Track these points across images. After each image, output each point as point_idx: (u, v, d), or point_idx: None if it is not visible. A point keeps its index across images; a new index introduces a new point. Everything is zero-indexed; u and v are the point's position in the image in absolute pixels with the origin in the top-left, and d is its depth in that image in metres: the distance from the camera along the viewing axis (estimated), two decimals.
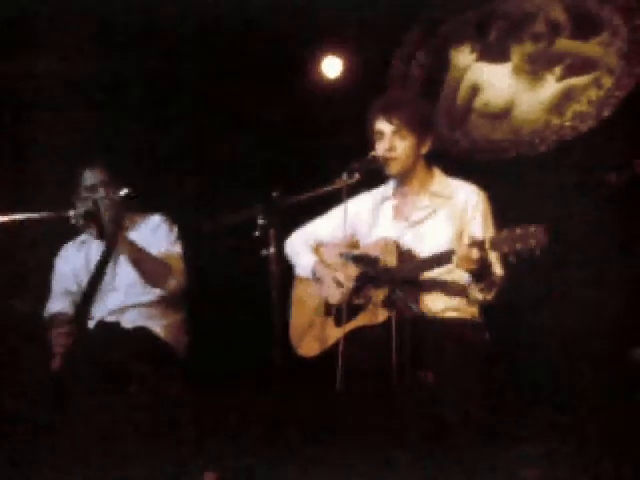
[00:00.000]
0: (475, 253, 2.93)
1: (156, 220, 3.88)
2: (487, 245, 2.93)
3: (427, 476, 2.91)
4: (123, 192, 3.60)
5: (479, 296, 3.19)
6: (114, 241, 3.60)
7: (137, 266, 3.68)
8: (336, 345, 3.19)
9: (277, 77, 4.86)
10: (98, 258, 3.77)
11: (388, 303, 3.13)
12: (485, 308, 3.32)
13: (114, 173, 3.79)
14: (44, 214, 3.56)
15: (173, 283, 3.74)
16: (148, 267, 3.71)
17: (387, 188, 3.51)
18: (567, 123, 4.50)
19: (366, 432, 3.05)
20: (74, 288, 3.90)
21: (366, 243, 3.45)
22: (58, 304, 3.88)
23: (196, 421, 3.69)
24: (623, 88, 4.36)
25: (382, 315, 3.17)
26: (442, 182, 3.42)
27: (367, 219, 3.49)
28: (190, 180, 4.79)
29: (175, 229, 3.86)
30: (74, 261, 3.93)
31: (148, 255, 3.71)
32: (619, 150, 4.17)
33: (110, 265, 3.73)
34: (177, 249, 3.83)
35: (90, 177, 3.79)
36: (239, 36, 4.74)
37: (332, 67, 4.99)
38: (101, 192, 3.75)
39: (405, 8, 4.75)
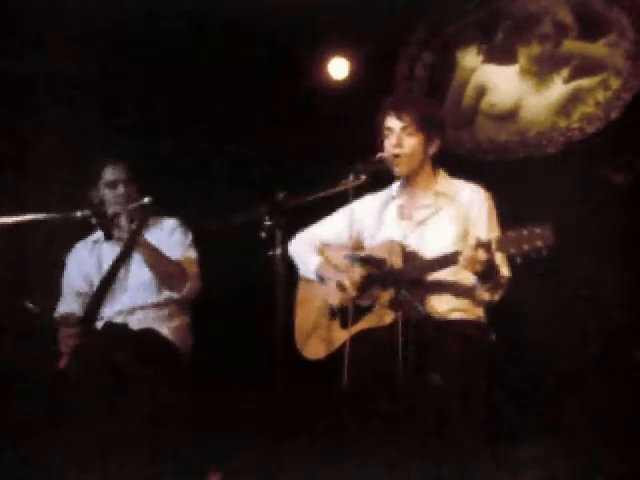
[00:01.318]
0: (481, 254, 2.92)
1: (171, 224, 3.88)
2: (493, 246, 2.92)
3: (430, 476, 2.91)
4: (146, 200, 3.63)
5: (486, 297, 3.19)
6: (132, 244, 3.61)
7: (155, 269, 3.70)
8: (342, 347, 3.19)
9: (282, 78, 4.87)
10: (110, 259, 3.81)
11: (394, 304, 3.13)
12: (490, 309, 3.31)
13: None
14: (50, 215, 3.56)
15: (189, 287, 3.76)
16: (166, 270, 3.73)
17: (392, 189, 3.51)
18: (574, 125, 4.50)
19: (370, 433, 3.04)
20: (85, 289, 3.89)
21: (371, 244, 3.44)
22: (68, 305, 3.88)
23: (201, 422, 3.69)
24: (630, 89, 4.35)
25: (388, 317, 3.16)
26: (446, 182, 3.42)
27: (372, 220, 3.48)
28: (195, 181, 4.79)
29: (190, 234, 3.88)
30: (85, 262, 3.93)
31: (166, 259, 3.73)
32: (626, 152, 4.16)
33: (122, 266, 3.74)
34: (192, 254, 3.85)
35: (111, 173, 3.80)
36: (243, 37, 4.74)
37: (338, 68, 4.99)
38: (120, 189, 3.76)
39: (411, 9, 4.75)
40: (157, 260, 3.70)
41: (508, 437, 3.14)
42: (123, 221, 3.70)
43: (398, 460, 2.95)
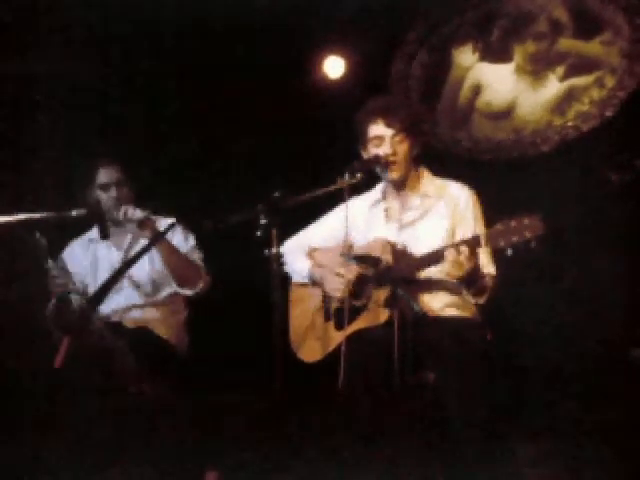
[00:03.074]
0: (464, 259, 2.92)
1: (170, 224, 3.87)
2: (482, 240, 2.92)
3: (428, 475, 2.91)
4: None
5: (471, 300, 3.21)
6: (154, 245, 3.60)
7: (172, 266, 3.70)
8: (338, 349, 3.18)
9: (280, 77, 4.86)
10: (106, 260, 3.81)
11: (390, 302, 3.13)
12: (488, 308, 3.30)
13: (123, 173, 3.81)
14: (46, 214, 3.55)
15: (202, 283, 3.77)
16: (182, 268, 3.73)
17: (376, 191, 3.50)
18: (569, 123, 4.50)
19: (367, 432, 3.04)
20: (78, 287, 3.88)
21: (360, 245, 3.44)
22: None
23: (196, 421, 3.68)
24: (625, 88, 4.36)
25: (383, 315, 3.16)
26: (431, 182, 3.42)
27: (361, 223, 3.47)
28: (191, 180, 4.79)
29: (191, 235, 3.87)
30: (80, 261, 3.91)
31: (184, 257, 3.74)
32: (621, 150, 4.17)
33: (130, 267, 3.73)
34: (198, 252, 3.85)
35: (104, 175, 3.79)
36: (241, 36, 4.74)
37: (334, 67, 4.99)
38: (113, 192, 3.76)
39: (407, 7, 4.75)
40: (176, 259, 3.71)
41: (507, 437, 3.13)
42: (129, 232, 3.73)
43: (397, 459, 2.95)
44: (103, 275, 3.76)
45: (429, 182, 3.41)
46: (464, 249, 2.93)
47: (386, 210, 3.43)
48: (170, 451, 3.40)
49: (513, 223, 2.83)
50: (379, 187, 3.49)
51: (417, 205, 3.36)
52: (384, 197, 3.46)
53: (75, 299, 3.72)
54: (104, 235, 3.66)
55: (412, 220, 3.35)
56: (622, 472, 3.19)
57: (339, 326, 3.29)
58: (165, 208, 3.85)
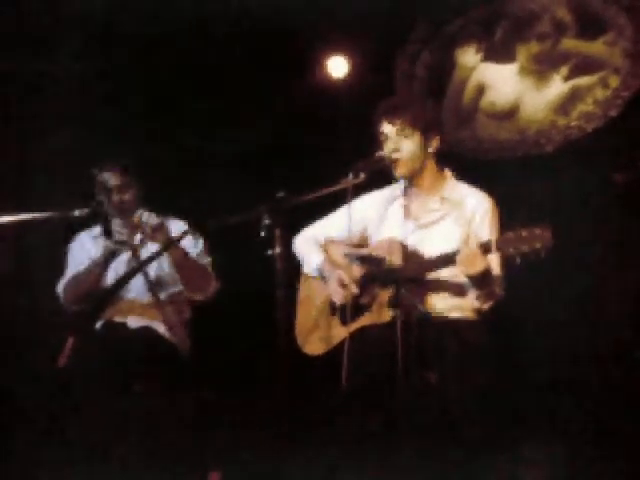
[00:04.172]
0: (478, 257, 2.94)
1: (180, 226, 3.88)
2: (493, 247, 2.93)
3: (428, 476, 2.92)
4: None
5: (475, 304, 3.21)
6: (166, 250, 3.61)
7: (183, 272, 3.73)
8: (341, 344, 3.20)
9: (282, 76, 4.87)
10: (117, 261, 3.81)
11: (394, 303, 3.14)
12: (490, 309, 3.31)
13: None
14: (49, 214, 3.57)
15: (211, 288, 3.81)
16: (193, 273, 3.75)
17: (397, 186, 3.51)
18: (573, 123, 4.50)
19: (368, 431, 3.05)
20: None
21: (374, 241, 3.45)
22: None
23: (199, 420, 3.70)
24: (629, 88, 4.36)
25: (387, 314, 3.17)
26: (452, 186, 3.41)
27: (377, 216, 3.48)
28: (194, 180, 4.80)
29: (201, 240, 3.89)
30: (90, 253, 3.89)
31: (195, 262, 3.76)
32: (625, 150, 4.17)
33: (139, 272, 3.75)
34: (207, 256, 3.87)
35: (107, 179, 3.80)
36: (242, 35, 4.75)
37: (337, 67, 5.00)
38: (115, 196, 3.77)
39: (410, 7, 4.75)
40: (187, 264, 3.73)
41: (507, 437, 3.15)
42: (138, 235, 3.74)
43: (398, 459, 2.96)
44: (112, 269, 3.79)
45: (451, 186, 3.40)
46: (477, 249, 2.95)
47: (405, 207, 3.43)
48: (170, 451, 3.42)
49: (524, 232, 2.85)
50: (400, 183, 3.49)
51: (436, 208, 3.36)
52: (404, 194, 3.46)
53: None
54: (108, 233, 3.69)
55: (429, 222, 3.35)
56: (622, 472, 3.19)
57: (343, 322, 3.30)
58: (165, 208, 3.87)
